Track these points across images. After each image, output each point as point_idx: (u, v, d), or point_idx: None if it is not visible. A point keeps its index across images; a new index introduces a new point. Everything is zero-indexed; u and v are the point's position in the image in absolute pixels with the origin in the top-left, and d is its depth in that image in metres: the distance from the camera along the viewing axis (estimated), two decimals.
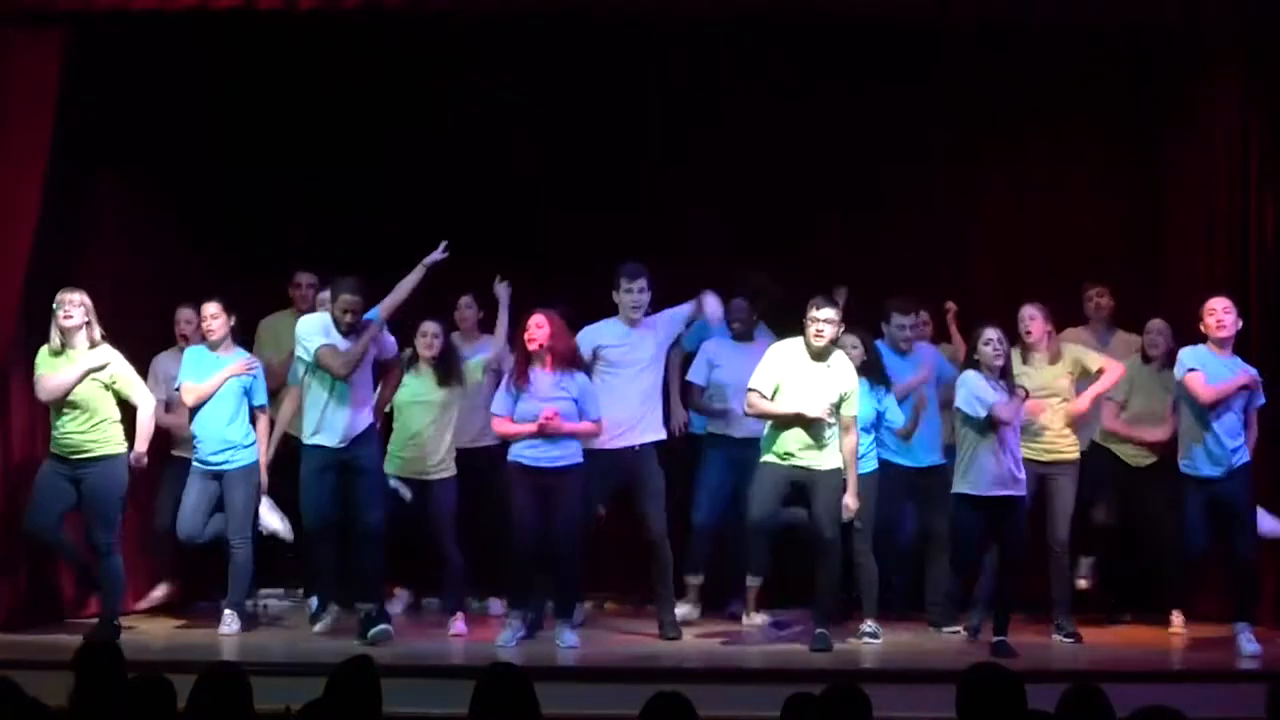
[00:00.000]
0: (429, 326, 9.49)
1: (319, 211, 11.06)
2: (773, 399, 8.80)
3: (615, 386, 9.24)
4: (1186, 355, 9.04)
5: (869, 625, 9.18)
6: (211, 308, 9.40)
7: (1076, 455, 9.47)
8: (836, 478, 8.81)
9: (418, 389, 9.45)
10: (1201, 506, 8.93)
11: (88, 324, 8.92)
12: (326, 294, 9.25)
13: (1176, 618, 9.71)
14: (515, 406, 8.86)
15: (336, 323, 8.89)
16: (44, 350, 8.93)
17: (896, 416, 9.31)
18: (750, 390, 8.86)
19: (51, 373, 8.88)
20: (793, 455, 8.77)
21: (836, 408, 8.81)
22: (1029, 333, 9.40)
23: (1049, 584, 9.35)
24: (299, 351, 8.97)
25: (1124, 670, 8.37)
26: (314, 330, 8.93)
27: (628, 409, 9.22)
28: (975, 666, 5.06)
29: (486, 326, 10.18)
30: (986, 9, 9.15)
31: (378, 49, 10.93)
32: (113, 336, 9.60)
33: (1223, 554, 9.09)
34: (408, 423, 9.44)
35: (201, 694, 5.00)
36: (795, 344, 8.89)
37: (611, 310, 9.45)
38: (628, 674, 8.00)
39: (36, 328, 9.11)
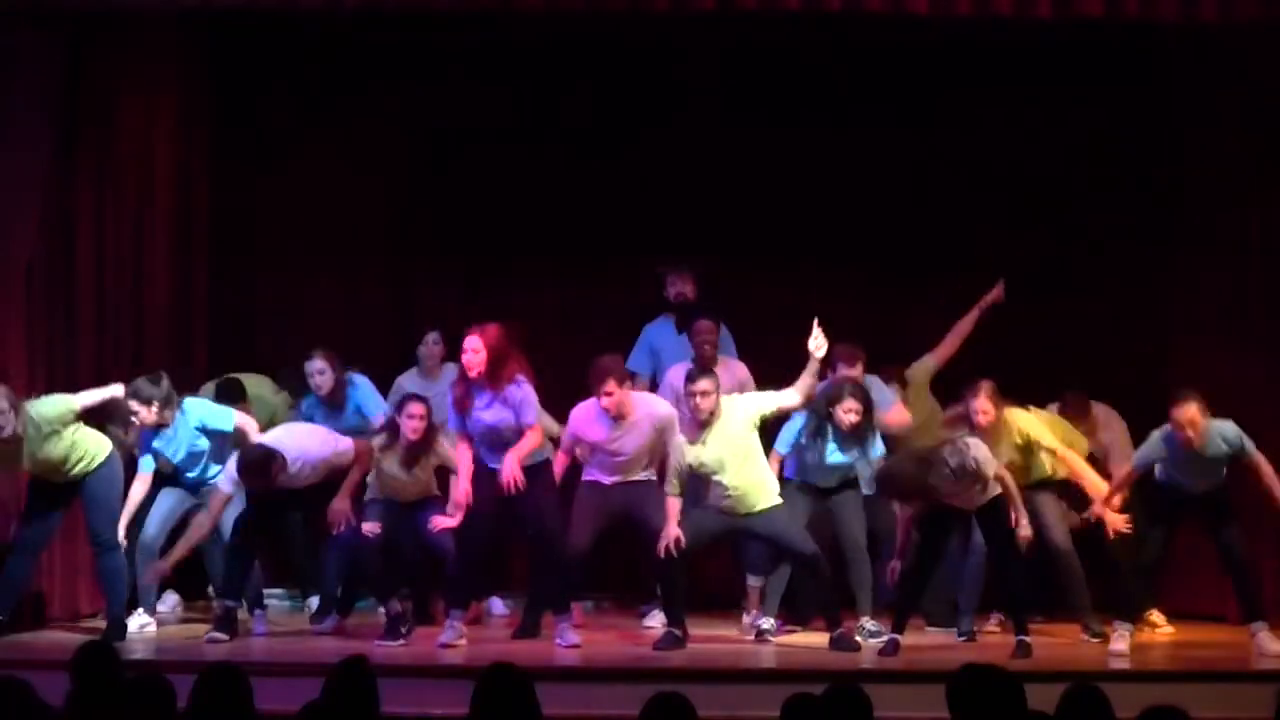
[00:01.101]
0: (416, 408, 9.12)
1: (319, 212, 11.06)
2: (696, 468, 8.81)
3: None
4: (1155, 444, 8.71)
5: (870, 624, 9.19)
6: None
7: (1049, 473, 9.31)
8: (776, 511, 8.85)
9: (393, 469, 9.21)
10: (1167, 513, 8.76)
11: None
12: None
13: (1158, 616, 9.69)
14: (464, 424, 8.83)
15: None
16: None
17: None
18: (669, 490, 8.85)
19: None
20: (722, 508, 8.83)
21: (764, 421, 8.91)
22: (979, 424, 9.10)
23: (1063, 590, 9.34)
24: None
25: (1124, 670, 8.37)
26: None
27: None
28: (964, 668, 5.05)
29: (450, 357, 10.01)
30: (986, 7, 9.13)
31: (378, 48, 10.92)
32: (112, 340, 9.64)
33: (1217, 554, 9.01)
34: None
35: (201, 694, 5.00)
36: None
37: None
38: (628, 674, 7.99)
39: (38, 331, 9.12)
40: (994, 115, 11.01)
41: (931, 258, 10.99)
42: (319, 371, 9.55)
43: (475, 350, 8.72)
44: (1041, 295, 10.63)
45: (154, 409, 8.92)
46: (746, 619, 9.60)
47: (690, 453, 8.82)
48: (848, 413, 9.02)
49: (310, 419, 9.54)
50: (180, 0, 9.22)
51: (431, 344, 10.16)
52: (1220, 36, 9.83)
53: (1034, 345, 10.56)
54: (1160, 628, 9.68)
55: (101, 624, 8.94)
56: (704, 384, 8.84)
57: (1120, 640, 8.74)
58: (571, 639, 8.79)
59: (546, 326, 10.26)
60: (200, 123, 10.90)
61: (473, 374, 8.73)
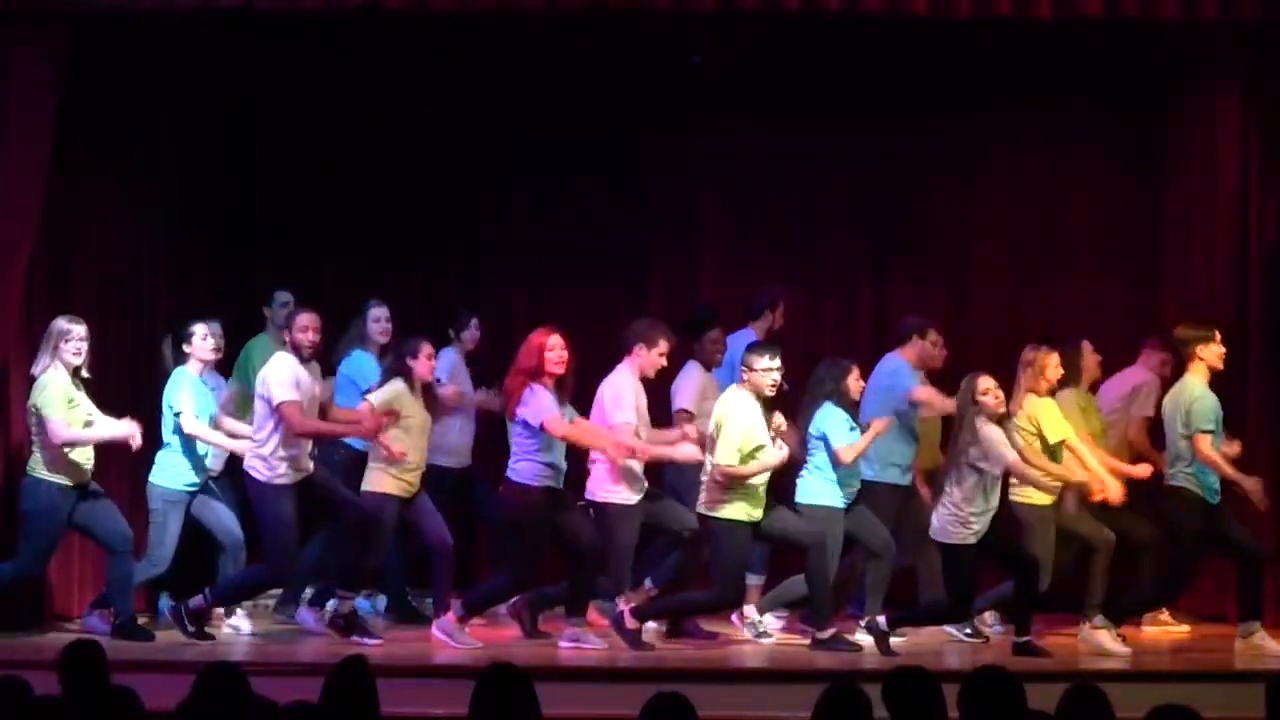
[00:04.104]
0: (427, 347, 9.15)
1: (319, 212, 11.06)
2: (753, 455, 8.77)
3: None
4: (1205, 407, 8.78)
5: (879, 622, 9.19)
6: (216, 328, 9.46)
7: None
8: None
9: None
10: (1200, 529, 8.84)
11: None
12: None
13: (1166, 616, 9.72)
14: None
15: (298, 347, 8.77)
16: (65, 382, 8.80)
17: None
18: (760, 450, 8.74)
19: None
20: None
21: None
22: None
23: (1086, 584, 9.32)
24: (265, 390, 8.79)
25: (1124, 670, 8.38)
26: (282, 379, 8.71)
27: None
28: (982, 669, 5.07)
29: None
30: (986, 8, 9.13)
31: (379, 49, 10.91)
32: (114, 337, 9.65)
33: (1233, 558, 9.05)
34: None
35: (201, 694, 5.01)
36: (745, 397, 8.77)
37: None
38: (628, 674, 8.00)
39: (37, 328, 9.11)
40: (992, 113, 11.02)
41: (926, 257, 11.00)
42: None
43: (564, 347, 8.73)
44: (1039, 292, 10.66)
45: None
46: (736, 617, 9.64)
47: (759, 424, 8.72)
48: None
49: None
50: (180, 1, 9.22)
51: (474, 328, 10.04)
52: (1221, 36, 9.84)
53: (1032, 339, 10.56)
54: (1171, 626, 9.71)
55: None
56: (779, 360, 8.77)
57: (1117, 640, 8.76)
58: (596, 643, 8.79)
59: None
60: (203, 120, 10.89)
61: (563, 371, 8.72)
